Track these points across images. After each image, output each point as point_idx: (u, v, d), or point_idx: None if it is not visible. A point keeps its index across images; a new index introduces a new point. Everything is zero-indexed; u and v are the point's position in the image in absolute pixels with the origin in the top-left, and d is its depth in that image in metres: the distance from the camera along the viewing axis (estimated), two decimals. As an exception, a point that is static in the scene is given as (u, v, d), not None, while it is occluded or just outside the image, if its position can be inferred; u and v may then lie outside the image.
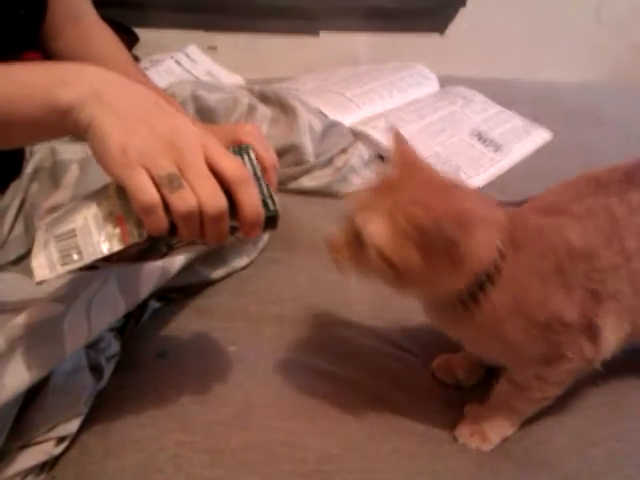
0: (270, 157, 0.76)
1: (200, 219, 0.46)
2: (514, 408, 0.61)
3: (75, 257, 0.47)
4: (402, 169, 0.55)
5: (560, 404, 0.63)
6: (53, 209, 0.72)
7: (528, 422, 0.62)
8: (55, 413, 0.58)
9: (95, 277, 0.60)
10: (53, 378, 0.58)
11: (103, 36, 0.85)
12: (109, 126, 0.45)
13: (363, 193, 0.55)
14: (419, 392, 0.67)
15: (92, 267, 0.48)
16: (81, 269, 0.48)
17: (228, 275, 0.83)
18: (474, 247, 0.51)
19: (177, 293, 0.79)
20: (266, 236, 0.89)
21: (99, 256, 0.47)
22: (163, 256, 0.52)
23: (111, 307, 0.61)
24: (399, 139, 0.58)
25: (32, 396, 0.57)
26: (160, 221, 0.45)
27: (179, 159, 0.45)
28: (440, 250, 0.50)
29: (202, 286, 0.81)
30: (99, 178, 0.72)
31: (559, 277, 0.54)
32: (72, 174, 0.75)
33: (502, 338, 0.56)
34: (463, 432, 0.62)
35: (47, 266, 0.47)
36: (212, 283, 0.81)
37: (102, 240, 0.47)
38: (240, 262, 0.85)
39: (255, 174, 0.52)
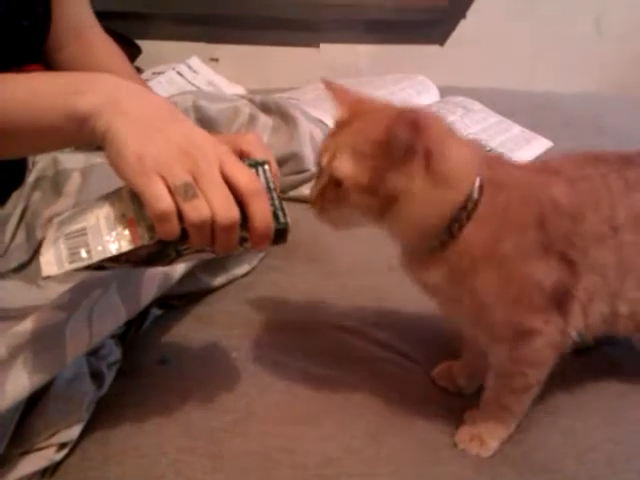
0: (272, 165, 0.76)
1: (212, 228, 0.47)
2: (504, 406, 0.60)
3: (84, 255, 0.48)
4: (347, 108, 0.57)
5: (556, 408, 0.63)
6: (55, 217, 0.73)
7: (526, 427, 0.62)
8: (56, 419, 0.58)
9: (96, 284, 0.60)
10: (54, 385, 0.59)
11: (105, 48, 0.86)
12: (125, 134, 0.46)
13: (324, 141, 0.58)
14: (419, 397, 0.67)
15: (99, 267, 0.49)
16: (89, 267, 0.48)
17: (229, 282, 0.84)
18: (447, 153, 0.51)
19: (178, 300, 0.79)
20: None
21: (107, 255, 0.47)
22: (171, 262, 0.52)
23: (112, 314, 0.61)
24: (332, 86, 0.60)
25: (33, 402, 0.58)
26: (173, 228, 0.46)
27: (194, 168, 0.46)
28: (402, 158, 0.50)
29: (203, 293, 0.81)
30: (101, 186, 0.73)
31: (538, 232, 0.54)
32: (74, 183, 0.76)
33: (473, 289, 0.54)
34: (463, 437, 0.62)
35: (55, 262, 0.48)
36: (213, 290, 0.82)
37: (112, 240, 0.48)
38: (241, 270, 0.85)
39: (268, 187, 0.52)
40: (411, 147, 0.50)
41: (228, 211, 0.47)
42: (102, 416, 0.62)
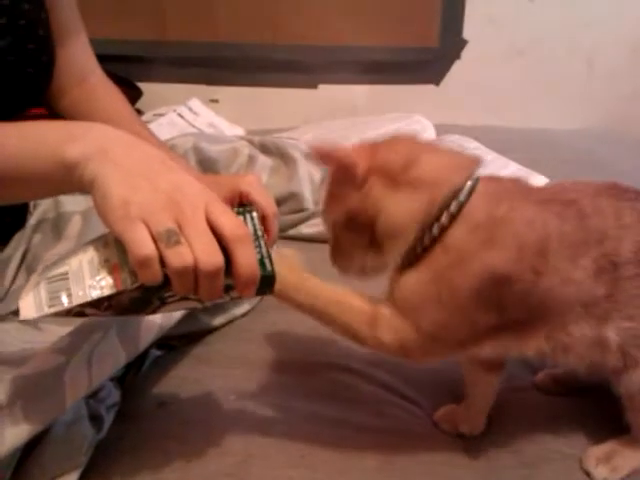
0: (271, 206, 0.77)
1: (195, 275, 0.46)
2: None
3: (64, 299, 0.47)
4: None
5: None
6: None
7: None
8: (54, 465, 0.57)
9: (96, 328, 0.60)
10: (53, 428, 0.58)
11: (108, 94, 0.88)
12: (112, 181, 0.46)
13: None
14: (421, 441, 0.66)
15: (80, 314, 0.48)
16: (69, 313, 0.48)
17: (228, 322, 0.83)
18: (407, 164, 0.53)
19: (178, 340, 0.79)
20: None
21: (88, 299, 0.47)
22: (155, 310, 0.52)
23: (112, 358, 0.61)
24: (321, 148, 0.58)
25: (30, 447, 0.57)
26: (154, 274, 0.46)
27: (179, 215, 0.46)
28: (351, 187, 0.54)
29: (202, 333, 0.81)
30: (102, 229, 0.74)
31: (539, 258, 0.52)
32: (75, 225, 0.76)
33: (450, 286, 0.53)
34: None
35: (34, 306, 0.48)
36: (212, 330, 0.82)
37: (94, 285, 0.47)
38: (240, 310, 0.85)
39: (256, 234, 0.52)
40: (352, 176, 0.53)
41: (211, 257, 0.46)
42: (99, 460, 0.61)
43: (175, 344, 0.79)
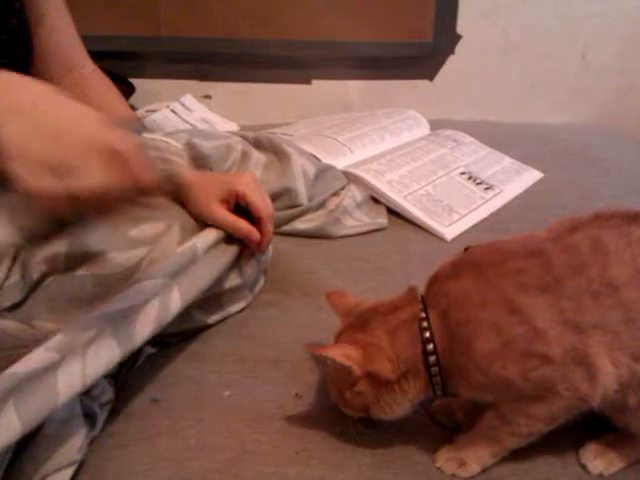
0: (267, 207, 0.77)
1: None
2: (498, 439, 0.60)
3: None
4: (342, 318, 0.65)
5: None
6: (50, 258, 0.73)
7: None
8: (47, 463, 0.57)
9: (91, 325, 0.60)
10: (46, 426, 0.58)
11: (101, 86, 0.87)
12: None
13: None
14: (418, 433, 0.65)
15: None
16: None
17: (223, 319, 0.83)
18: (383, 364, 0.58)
19: (173, 338, 0.79)
20: (262, 280, 0.90)
21: None
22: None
23: (106, 355, 0.60)
24: (332, 297, 0.67)
25: (24, 444, 0.56)
26: None
27: None
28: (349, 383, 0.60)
29: (197, 330, 0.80)
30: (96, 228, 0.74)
31: (513, 316, 0.55)
32: None
33: (480, 390, 0.59)
34: (441, 456, 0.61)
35: None
36: (207, 327, 0.81)
37: None
38: (236, 307, 0.85)
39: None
40: (349, 373, 0.58)
41: None
42: (93, 458, 0.61)
43: (170, 341, 0.79)
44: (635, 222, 0.58)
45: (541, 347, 0.54)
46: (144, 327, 0.65)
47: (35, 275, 0.71)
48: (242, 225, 0.78)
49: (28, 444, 0.57)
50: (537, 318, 0.55)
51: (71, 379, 0.56)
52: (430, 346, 0.58)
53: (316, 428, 0.66)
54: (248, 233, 0.78)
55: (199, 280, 0.73)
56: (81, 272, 0.71)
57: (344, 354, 0.58)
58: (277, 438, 0.65)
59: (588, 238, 0.57)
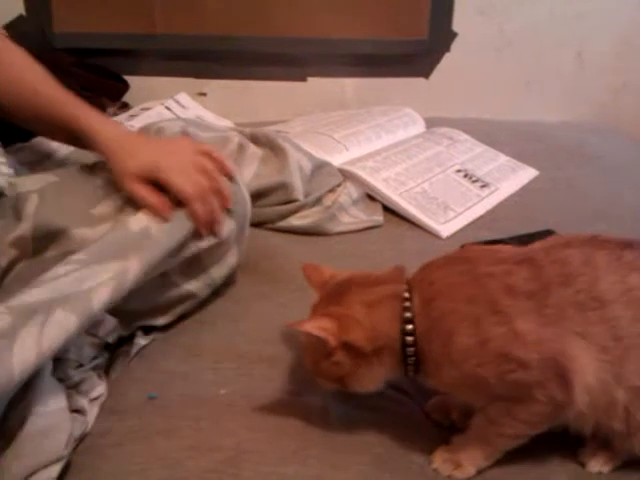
0: (194, 184, 0.78)
1: None
2: (488, 441, 0.60)
3: None
4: (319, 292, 0.66)
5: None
6: (17, 241, 0.73)
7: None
8: (33, 459, 0.55)
9: (39, 310, 0.59)
10: (31, 422, 0.56)
11: (10, 59, 0.86)
12: None
13: None
14: (414, 432, 0.65)
15: None
16: None
17: (212, 289, 0.83)
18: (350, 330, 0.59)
19: (162, 315, 0.78)
20: (247, 231, 0.88)
21: None
22: None
23: (61, 327, 0.59)
24: (308, 270, 0.69)
25: (8, 441, 0.55)
26: None
27: None
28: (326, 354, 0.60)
29: (189, 324, 0.80)
30: (58, 207, 0.75)
31: (495, 316, 0.55)
32: (32, 204, 0.75)
33: (452, 383, 0.59)
34: (437, 457, 0.61)
35: None
36: (201, 323, 0.81)
37: None
38: (220, 270, 0.83)
39: None
40: (328, 344, 0.59)
41: None
42: (84, 456, 0.60)
43: (159, 324, 0.78)
44: (628, 248, 0.58)
45: (518, 351, 0.55)
46: (102, 290, 0.64)
47: (4, 261, 0.72)
48: (151, 202, 0.73)
49: (13, 440, 0.56)
50: (518, 321, 0.55)
51: (24, 347, 0.55)
52: (410, 326, 0.59)
53: (314, 427, 0.65)
54: (157, 211, 0.73)
55: (161, 243, 0.72)
56: (49, 254, 0.72)
57: (319, 327, 0.59)
58: (274, 437, 0.64)
59: (580, 254, 0.58)
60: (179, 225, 0.74)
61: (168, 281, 0.77)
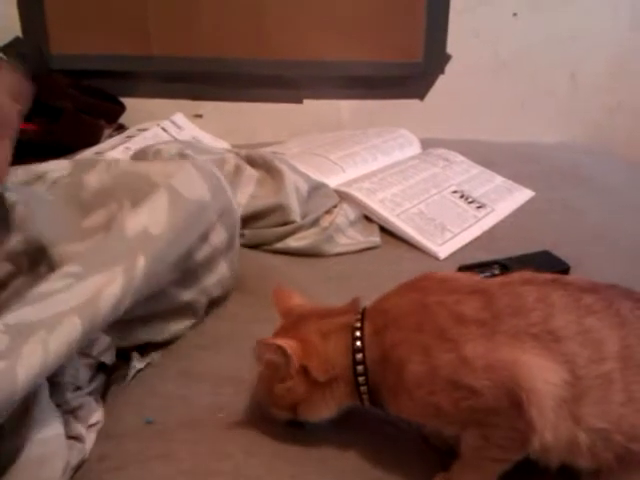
0: None
1: None
2: (476, 466, 0.59)
3: None
4: (282, 318, 0.67)
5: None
6: (10, 256, 0.73)
7: None
8: None
9: (40, 326, 0.58)
10: (27, 448, 0.55)
11: None
12: None
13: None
14: (413, 457, 0.64)
15: None
16: None
17: (199, 294, 0.82)
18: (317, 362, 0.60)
19: (159, 350, 0.78)
20: (236, 258, 0.89)
21: None
22: None
23: (67, 328, 0.58)
24: (278, 295, 0.69)
25: (3, 468, 0.54)
26: None
27: None
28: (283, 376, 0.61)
29: (186, 347, 0.79)
30: (47, 221, 0.75)
31: (444, 343, 0.55)
32: (18, 215, 0.76)
33: (412, 413, 0.59)
34: None
35: None
36: (200, 347, 0.80)
37: None
38: (212, 279, 0.83)
39: None
40: (286, 367, 0.60)
41: None
42: (82, 482, 0.59)
43: (157, 340, 0.78)
44: (589, 292, 0.57)
45: (467, 378, 0.54)
46: (106, 299, 0.63)
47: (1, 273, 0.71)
48: None
49: (8, 468, 0.55)
50: (467, 347, 0.54)
51: (30, 353, 0.55)
52: (359, 355, 0.59)
53: (311, 451, 0.64)
54: None
55: (166, 250, 0.72)
56: (43, 269, 0.71)
57: (288, 344, 0.59)
58: (272, 461, 0.63)
59: (537, 292, 0.57)
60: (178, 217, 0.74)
61: (163, 292, 0.76)
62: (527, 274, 0.61)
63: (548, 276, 0.60)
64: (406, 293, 0.62)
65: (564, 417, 0.54)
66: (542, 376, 0.53)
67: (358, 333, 0.60)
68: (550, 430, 0.54)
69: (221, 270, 0.85)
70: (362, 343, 0.60)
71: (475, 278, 0.64)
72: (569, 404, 0.53)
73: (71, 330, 0.58)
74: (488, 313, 0.56)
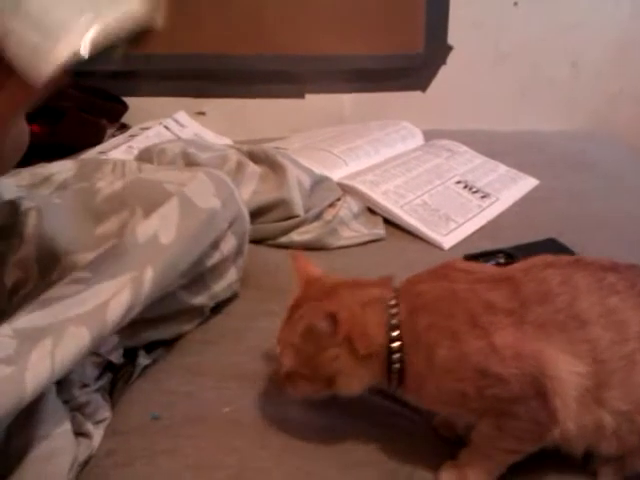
0: None
1: None
2: (487, 455, 0.59)
3: None
4: (303, 286, 0.64)
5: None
6: (20, 262, 0.72)
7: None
8: None
9: (46, 334, 0.57)
10: (34, 446, 0.56)
11: None
12: None
13: (281, 329, 0.64)
14: (422, 448, 0.64)
15: None
16: None
17: (210, 299, 0.82)
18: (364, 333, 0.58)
19: (165, 346, 0.78)
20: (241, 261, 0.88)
21: None
22: None
23: (74, 340, 0.58)
24: (296, 260, 0.67)
25: (12, 466, 0.55)
26: None
27: None
28: (326, 345, 0.58)
29: (192, 344, 0.79)
30: (59, 229, 0.74)
31: (474, 330, 0.55)
32: (31, 222, 0.76)
33: (433, 400, 0.59)
34: (444, 473, 0.60)
35: None
36: (205, 342, 0.80)
37: None
38: (222, 284, 0.83)
39: None
40: (332, 335, 0.57)
41: None
42: (88, 477, 0.60)
43: (164, 338, 0.78)
44: (611, 271, 0.58)
45: (496, 366, 0.54)
46: (115, 307, 0.63)
47: (9, 282, 0.72)
48: None
49: (16, 465, 0.55)
50: (496, 336, 0.55)
51: (38, 363, 0.55)
52: (396, 333, 0.58)
53: (318, 443, 0.64)
54: None
55: (176, 260, 0.71)
56: (55, 277, 0.71)
57: (337, 311, 0.57)
58: (278, 454, 0.63)
59: (560, 275, 0.57)
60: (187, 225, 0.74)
61: (173, 297, 0.76)
62: (549, 257, 0.61)
63: (570, 258, 0.61)
64: (436, 280, 0.61)
65: (587, 405, 0.54)
66: (567, 367, 0.54)
67: (394, 310, 0.59)
68: (572, 420, 0.54)
69: (230, 276, 0.85)
70: (398, 321, 0.58)
71: (495, 267, 0.64)
72: (592, 392, 0.54)
73: (79, 341, 0.59)
74: (516, 302, 0.56)
